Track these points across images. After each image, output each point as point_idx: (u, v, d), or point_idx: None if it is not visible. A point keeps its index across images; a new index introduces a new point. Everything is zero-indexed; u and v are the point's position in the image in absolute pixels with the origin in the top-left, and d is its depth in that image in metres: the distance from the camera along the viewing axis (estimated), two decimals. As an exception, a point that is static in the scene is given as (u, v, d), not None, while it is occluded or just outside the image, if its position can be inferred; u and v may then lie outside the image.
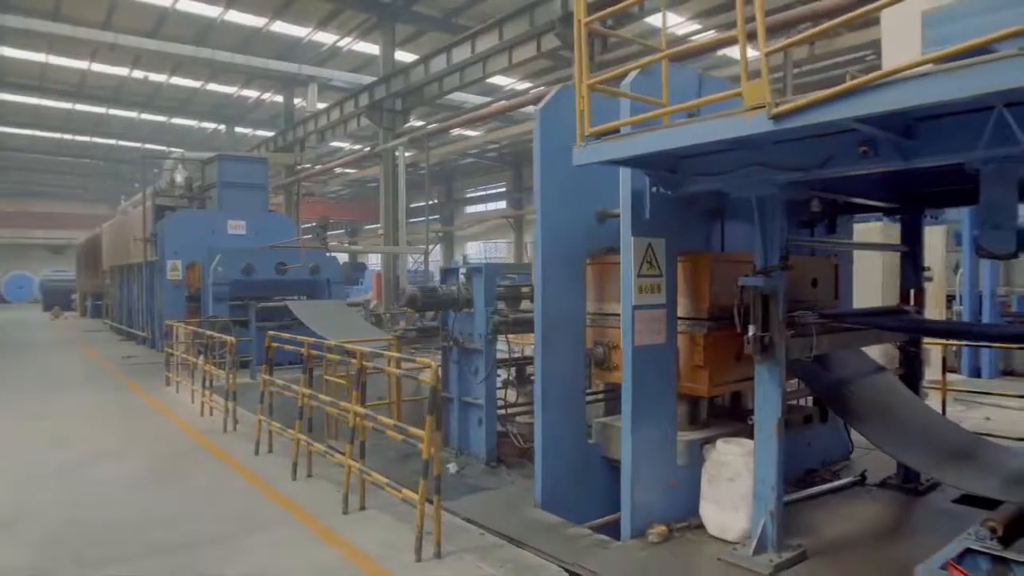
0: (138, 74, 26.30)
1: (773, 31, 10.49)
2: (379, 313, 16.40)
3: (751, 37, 3.47)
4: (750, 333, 4.29)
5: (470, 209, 43.60)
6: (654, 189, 4.79)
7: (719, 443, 4.91)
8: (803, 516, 5.10)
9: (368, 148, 24.02)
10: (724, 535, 4.71)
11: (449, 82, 16.98)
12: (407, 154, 20.49)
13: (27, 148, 37.70)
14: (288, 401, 6.96)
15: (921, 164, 3.51)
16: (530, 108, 16.65)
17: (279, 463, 6.67)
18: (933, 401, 8.59)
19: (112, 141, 36.68)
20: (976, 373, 11.38)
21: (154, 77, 26.87)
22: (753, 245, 4.44)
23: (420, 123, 24.02)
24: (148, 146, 32.66)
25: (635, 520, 4.83)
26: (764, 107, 3.30)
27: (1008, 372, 11.65)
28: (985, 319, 11.43)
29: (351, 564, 4.44)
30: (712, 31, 18.07)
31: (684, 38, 18.64)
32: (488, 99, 22.64)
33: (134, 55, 23.01)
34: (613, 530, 5.02)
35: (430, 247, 18.70)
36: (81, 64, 25.26)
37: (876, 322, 5.33)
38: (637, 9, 12.44)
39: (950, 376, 8.87)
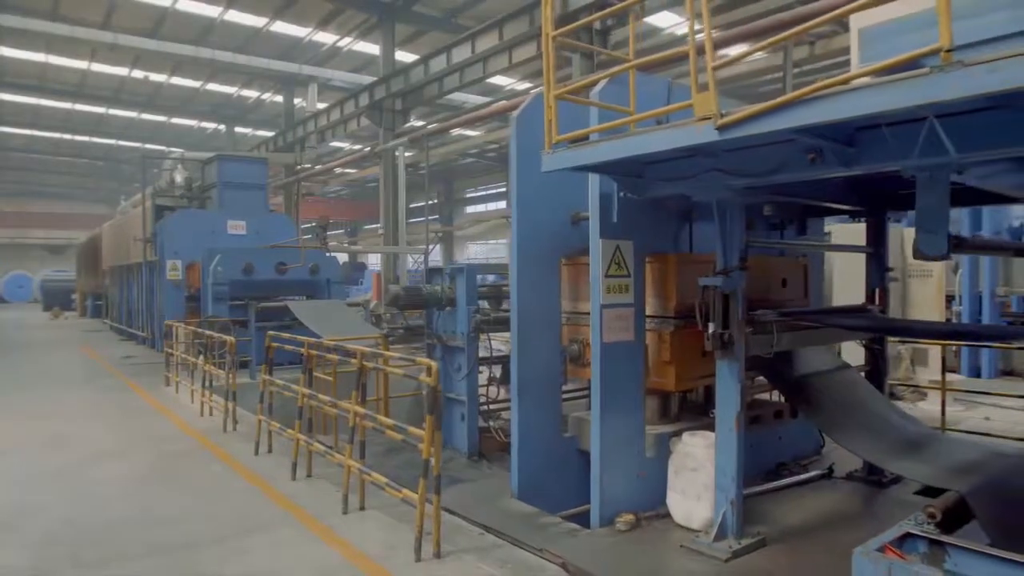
0: (138, 74, 26.28)
1: (770, 31, 10.50)
2: (379, 313, 16.39)
3: (701, 51, 3.66)
4: (710, 330, 4.53)
5: (470, 209, 43.61)
6: (621, 193, 5.03)
7: (685, 435, 5.13)
8: (768, 507, 5.33)
9: (368, 148, 24.01)
10: (689, 523, 4.95)
11: (449, 82, 16.96)
12: (407, 154, 20.47)
13: (27, 148, 37.70)
14: (288, 401, 6.96)
15: (861, 171, 3.75)
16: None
17: (279, 463, 6.67)
18: (932, 401, 8.62)
19: (112, 141, 36.66)
20: (976, 373, 11.37)
21: (154, 77, 26.86)
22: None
23: (420, 123, 24.01)
24: (148, 146, 32.66)
25: (604, 509, 5.07)
26: (711, 118, 3.50)
27: (1008, 372, 11.64)
28: (985, 319, 11.44)
29: (351, 564, 4.43)
30: (713, 31, 18.07)
31: (683, 38, 18.67)
32: (488, 99, 22.64)
33: (134, 55, 22.99)
34: (585, 519, 5.22)
35: (430, 247, 18.67)
36: (81, 64, 25.25)
37: (835, 321, 5.56)
38: (638, 9, 12.43)
39: (950, 376, 8.87)
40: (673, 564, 4.51)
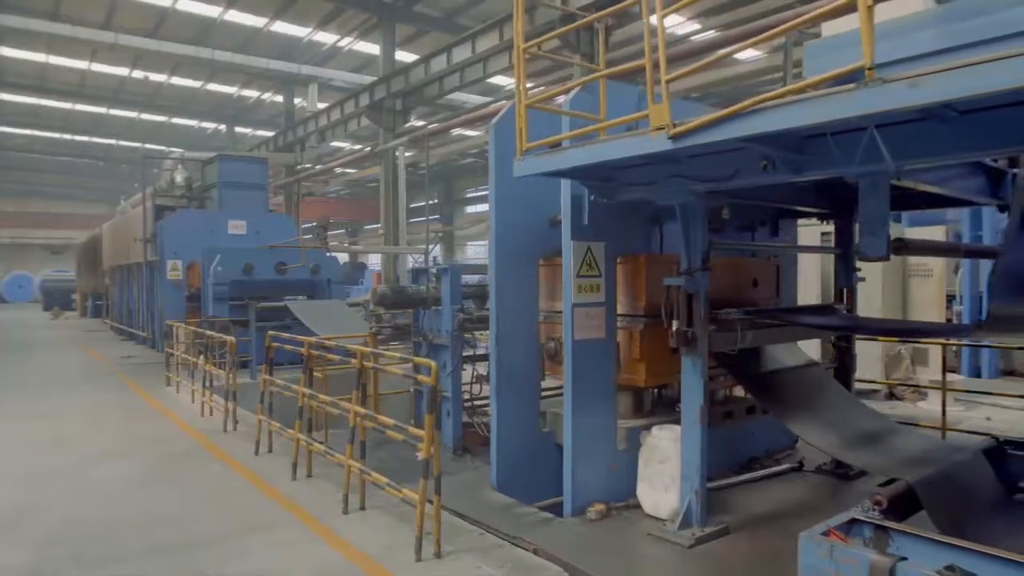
0: (138, 74, 26.32)
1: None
2: (380, 313, 16.40)
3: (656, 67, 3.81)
4: (675, 328, 4.72)
5: (470, 209, 43.61)
6: (592, 197, 5.22)
7: (653, 429, 5.31)
8: (736, 498, 5.50)
9: (368, 148, 24.03)
10: (657, 513, 5.12)
11: (449, 82, 16.98)
12: (407, 154, 20.50)
13: (27, 148, 37.71)
14: (288, 401, 6.97)
15: (809, 177, 3.95)
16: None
17: (279, 463, 6.68)
18: (933, 401, 8.61)
19: (112, 141, 36.71)
20: (976, 373, 11.35)
21: (154, 77, 26.90)
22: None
23: (420, 123, 24.02)
24: (148, 146, 32.68)
25: (576, 500, 5.26)
26: (665, 128, 3.70)
27: (1009, 372, 11.62)
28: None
29: (351, 564, 4.44)
30: (712, 31, 18.07)
31: (684, 38, 18.68)
32: (488, 99, 22.66)
33: (134, 55, 23.02)
34: (560, 510, 5.38)
35: (430, 247, 18.70)
36: (81, 64, 25.27)
37: (799, 319, 5.68)
38: (636, 9, 12.45)
39: (950, 376, 8.86)
40: (639, 550, 4.73)
